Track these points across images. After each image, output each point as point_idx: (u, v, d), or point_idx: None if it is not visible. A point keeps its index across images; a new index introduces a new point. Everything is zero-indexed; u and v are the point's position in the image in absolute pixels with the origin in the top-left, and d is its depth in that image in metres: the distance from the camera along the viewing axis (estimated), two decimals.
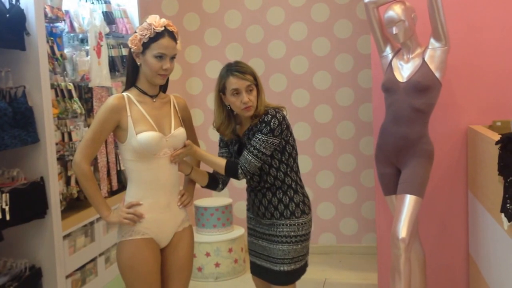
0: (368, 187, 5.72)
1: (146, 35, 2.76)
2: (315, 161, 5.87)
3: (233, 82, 3.03)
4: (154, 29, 2.76)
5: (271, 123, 3.02)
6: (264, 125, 3.02)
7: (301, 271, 3.23)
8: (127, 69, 2.92)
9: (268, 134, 3.02)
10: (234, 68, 3.05)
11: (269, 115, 3.03)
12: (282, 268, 3.15)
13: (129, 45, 2.79)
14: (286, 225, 3.14)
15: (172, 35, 2.83)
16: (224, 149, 3.28)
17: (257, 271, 3.31)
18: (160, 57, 2.79)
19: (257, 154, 3.02)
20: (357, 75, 5.74)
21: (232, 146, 3.23)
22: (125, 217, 2.81)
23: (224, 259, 5.23)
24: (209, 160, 3.11)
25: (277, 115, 3.04)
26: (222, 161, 3.10)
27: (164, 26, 2.79)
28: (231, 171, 3.08)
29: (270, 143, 3.03)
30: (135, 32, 2.79)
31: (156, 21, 2.77)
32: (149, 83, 2.87)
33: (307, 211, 3.19)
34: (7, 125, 3.27)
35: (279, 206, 3.15)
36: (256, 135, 3.04)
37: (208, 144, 5.87)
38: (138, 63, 2.83)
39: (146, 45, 2.78)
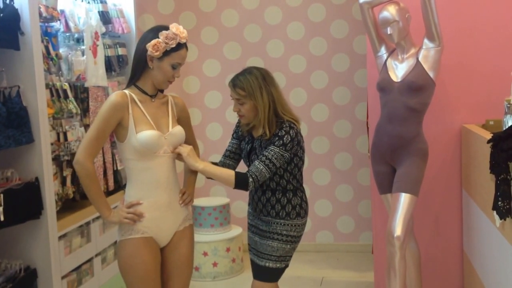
0: (365, 185, 5.74)
1: (171, 45, 2.79)
2: (312, 159, 5.87)
3: (230, 90, 3.20)
4: (179, 40, 2.81)
5: (284, 138, 3.09)
6: (277, 138, 3.09)
7: (282, 271, 3.28)
8: (135, 68, 2.90)
9: (281, 147, 3.08)
10: (234, 78, 3.19)
11: (283, 131, 3.10)
12: (267, 264, 3.20)
13: (150, 49, 2.78)
14: (280, 224, 3.19)
15: (187, 46, 2.90)
16: (235, 140, 3.37)
17: (251, 265, 3.37)
18: (175, 66, 2.85)
19: (268, 165, 3.07)
20: (353, 75, 5.76)
21: (245, 144, 3.30)
22: (126, 216, 2.82)
23: (222, 258, 5.24)
24: (218, 174, 3.09)
25: (291, 132, 3.10)
26: (231, 172, 3.10)
27: None
28: (242, 182, 3.07)
29: (281, 155, 3.09)
30: (158, 37, 2.79)
31: (181, 32, 2.82)
32: (152, 84, 2.90)
33: (303, 215, 3.24)
34: (1, 125, 3.26)
35: (276, 206, 3.20)
36: (269, 146, 3.10)
37: (206, 143, 5.88)
38: (151, 67, 2.84)
39: (166, 53, 2.81)
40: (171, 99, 3.03)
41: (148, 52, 2.80)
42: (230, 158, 3.36)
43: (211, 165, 3.10)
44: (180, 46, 2.84)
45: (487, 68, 4.15)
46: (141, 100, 2.86)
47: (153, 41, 2.79)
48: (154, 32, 2.83)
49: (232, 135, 3.40)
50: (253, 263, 3.32)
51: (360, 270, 5.35)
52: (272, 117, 3.14)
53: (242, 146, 3.33)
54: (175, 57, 2.84)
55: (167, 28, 2.82)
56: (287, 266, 3.29)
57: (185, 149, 2.95)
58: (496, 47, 4.14)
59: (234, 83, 3.17)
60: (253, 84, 3.13)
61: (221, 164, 3.32)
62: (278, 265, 3.22)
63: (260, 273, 3.25)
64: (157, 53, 2.79)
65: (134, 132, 2.79)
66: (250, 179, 3.06)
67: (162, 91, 3.01)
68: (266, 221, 3.23)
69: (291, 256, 3.27)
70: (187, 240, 3.00)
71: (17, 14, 3.40)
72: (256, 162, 3.09)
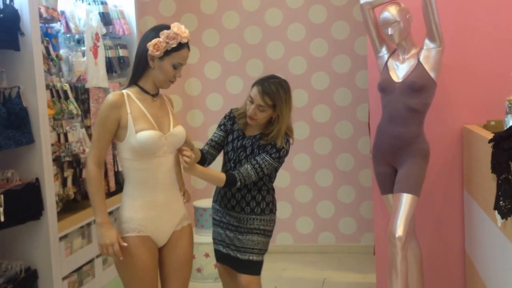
0: (366, 186, 5.73)
1: (172, 44, 2.78)
2: (314, 160, 5.88)
3: (254, 92, 3.25)
4: (180, 39, 2.80)
5: (281, 152, 3.26)
6: (275, 150, 3.25)
7: (262, 264, 3.41)
8: (136, 68, 2.90)
9: (275, 160, 3.25)
10: (264, 84, 3.24)
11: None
12: (251, 258, 3.33)
13: (150, 48, 2.78)
14: (256, 219, 3.34)
15: (189, 46, 2.89)
16: (222, 132, 3.45)
17: (222, 258, 3.47)
18: (176, 66, 2.84)
19: (259, 172, 3.24)
20: (354, 76, 5.75)
21: (234, 139, 3.40)
22: (110, 251, 2.77)
23: None
24: (209, 176, 3.22)
25: (287, 145, 3.30)
26: (222, 176, 3.23)
27: None
28: (231, 183, 3.23)
29: (273, 166, 3.27)
30: (159, 37, 2.78)
31: (182, 32, 2.81)
32: (153, 84, 2.89)
33: (274, 211, 3.43)
34: (1, 126, 3.27)
35: (251, 203, 3.34)
36: (264, 154, 3.25)
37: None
38: (151, 66, 2.83)
39: (167, 53, 2.80)
40: (165, 97, 3.04)
41: (149, 52, 2.79)
42: (215, 149, 3.44)
43: (205, 170, 3.19)
44: (182, 46, 2.82)
45: (488, 68, 4.14)
46: (140, 99, 2.85)
47: (154, 41, 2.78)
48: (156, 31, 2.82)
49: (220, 126, 3.47)
50: (234, 259, 3.38)
51: (362, 271, 5.34)
52: None
53: (229, 139, 3.41)
54: (176, 57, 2.82)
55: (168, 28, 2.81)
56: (263, 259, 3.43)
57: (186, 163, 2.97)
58: (497, 47, 4.13)
59: (265, 91, 3.21)
60: (282, 98, 3.25)
61: (205, 152, 3.39)
62: (260, 258, 3.37)
63: (245, 267, 3.36)
64: (158, 52, 2.78)
65: (133, 131, 2.77)
66: (239, 183, 3.23)
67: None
68: (239, 217, 3.35)
69: (267, 250, 3.42)
70: (185, 240, 2.99)
71: (17, 14, 3.41)
72: (249, 167, 3.23)
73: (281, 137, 3.25)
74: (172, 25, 2.81)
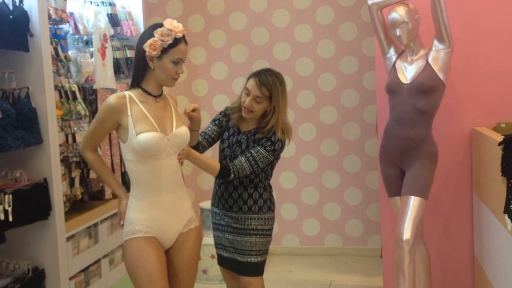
0: (373, 188, 5.72)
1: (167, 41, 2.77)
2: (320, 161, 5.87)
3: (250, 84, 3.26)
4: (174, 35, 2.79)
5: (276, 145, 3.26)
6: (269, 143, 3.25)
7: (264, 265, 3.42)
8: (136, 70, 2.90)
9: (270, 153, 3.26)
10: (260, 75, 3.27)
11: (276, 136, 3.27)
12: (249, 259, 3.33)
13: (147, 49, 2.78)
14: (254, 218, 3.33)
15: (185, 40, 2.87)
16: (216, 127, 3.48)
17: (224, 262, 3.49)
18: (177, 62, 2.82)
19: (253, 165, 3.25)
20: (362, 77, 5.74)
21: (229, 135, 3.42)
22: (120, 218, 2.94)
23: None
24: (204, 163, 3.24)
25: (283, 139, 3.29)
26: (217, 165, 3.27)
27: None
28: (224, 174, 3.26)
29: (268, 159, 3.27)
30: (153, 36, 2.78)
31: (175, 27, 2.79)
32: (156, 84, 2.88)
33: (273, 208, 3.41)
34: (10, 126, 3.27)
35: (249, 201, 3.34)
36: (258, 147, 3.26)
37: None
38: (152, 67, 2.83)
39: (164, 50, 2.79)
40: (169, 98, 3.03)
41: (146, 53, 2.79)
42: (207, 141, 3.47)
43: (200, 156, 3.21)
44: (178, 41, 2.81)
45: (498, 70, 4.12)
46: (142, 101, 2.85)
47: (149, 41, 2.78)
48: (150, 31, 2.83)
49: (214, 121, 3.49)
50: (234, 261, 3.40)
51: (369, 274, 5.32)
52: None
53: (225, 137, 3.43)
54: (174, 53, 2.81)
55: (161, 25, 2.80)
56: (265, 259, 3.43)
57: (183, 158, 3.00)
58: (507, 48, 4.11)
59: (262, 82, 3.23)
60: (279, 89, 3.27)
61: (198, 142, 3.37)
62: (259, 259, 3.36)
63: (245, 269, 3.37)
64: (155, 52, 2.78)
65: (134, 133, 2.78)
66: (232, 175, 3.25)
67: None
68: (237, 218, 3.35)
69: (267, 250, 3.42)
70: (191, 242, 2.98)
71: (26, 16, 3.41)
72: (243, 159, 3.24)
73: (280, 129, 3.26)
74: (164, 22, 2.81)
